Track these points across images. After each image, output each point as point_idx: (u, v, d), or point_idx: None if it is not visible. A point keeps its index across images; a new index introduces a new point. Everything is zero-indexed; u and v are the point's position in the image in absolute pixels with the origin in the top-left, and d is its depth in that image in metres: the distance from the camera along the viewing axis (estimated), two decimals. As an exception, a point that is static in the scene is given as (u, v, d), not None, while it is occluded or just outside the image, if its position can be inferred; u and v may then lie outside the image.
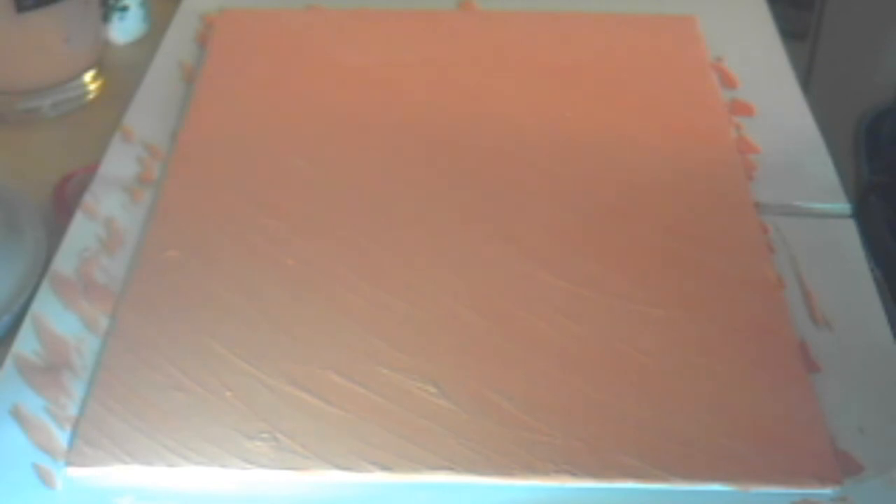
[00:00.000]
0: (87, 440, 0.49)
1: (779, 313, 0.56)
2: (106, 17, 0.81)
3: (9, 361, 0.54)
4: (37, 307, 0.57)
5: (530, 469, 0.48)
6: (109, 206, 0.63)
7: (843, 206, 0.64)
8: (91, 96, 0.77)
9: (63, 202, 0.66)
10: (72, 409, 0.51)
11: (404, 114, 0.70)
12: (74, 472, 0.49)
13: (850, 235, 0.62)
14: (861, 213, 0.64)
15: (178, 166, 0.66)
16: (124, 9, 0.81)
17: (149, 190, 0.65)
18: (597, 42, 0.77)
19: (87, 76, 0.77)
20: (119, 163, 0.67)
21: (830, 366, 0.54)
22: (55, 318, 0.56)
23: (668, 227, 0.61)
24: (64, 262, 0.60)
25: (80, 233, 0.62)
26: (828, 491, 0.48)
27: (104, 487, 0.48)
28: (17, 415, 0.51)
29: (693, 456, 0.49)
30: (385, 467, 0.48)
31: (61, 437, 0.50)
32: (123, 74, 0.78)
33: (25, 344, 0.55)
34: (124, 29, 0.82)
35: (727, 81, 0.74)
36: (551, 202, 0.63)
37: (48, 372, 0.53)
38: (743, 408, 0.51)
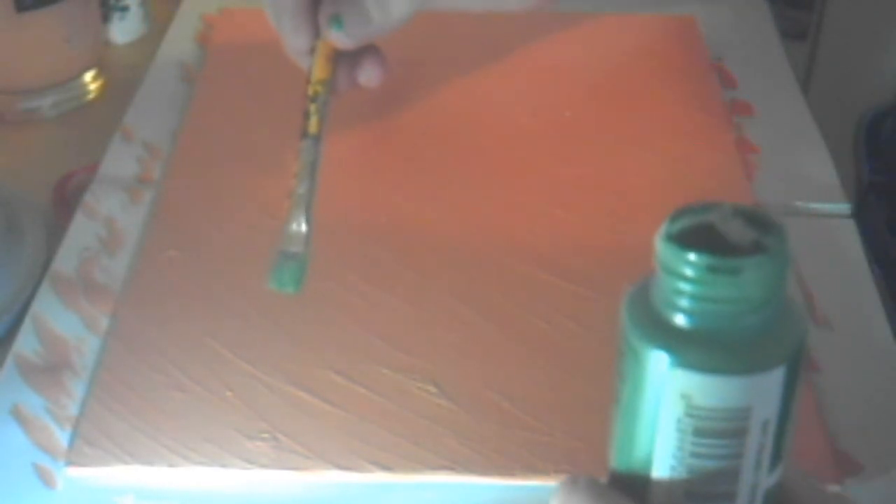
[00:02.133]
0: (87, 440, 0.49)
1: (779, 313, 0.56)
2: (106, 17, 0.81)
3: (9, 361, 0.54)
4: (37, 307, 0.57)
5: (530, 469, 0.48)
6: (109, 205, 0.63)
7: (843, 206, 0.64)
8: (91, 96, 0.77)
9: (63, 202, 0.66)
10: (72, 409, 0.51)
11: (403, 113, 0.70)
12: (75, 471, 0.49)
13: (849, 235, 0.62)
14: (861, 213, 0.64)
15: (178, 166, 0.66)
16: (124, 9, 0.81)
17: (149, 190, 0.65)
18: (597, 42, 0.77)
19: (87, 76, 0.76)
20: (119, 163, 0.67)
21: (830, 366, 0.54)
22: (55, 318, 0.56)
23: (668, 227, 0.61)
24: (64, 261, 0.60)
25: (80, 233, 0.62)
26: (828, 491, 0.48)
27: (105, 486, 0.48)
28: (17, 414, 0.51)
29: (693, 456, 0.49)
30: (385, 467, 0.48)
31: (62, 437, 0.50)
32: (123, 74, 0.78)
33: (26, 343, 0.55)
34: (124, 29, 0.82)
35: (727, 81, 0.74)
36: (551, 202, 0.63)
37: (48, 371, 0.53)
38: (743, 408, 0.51)
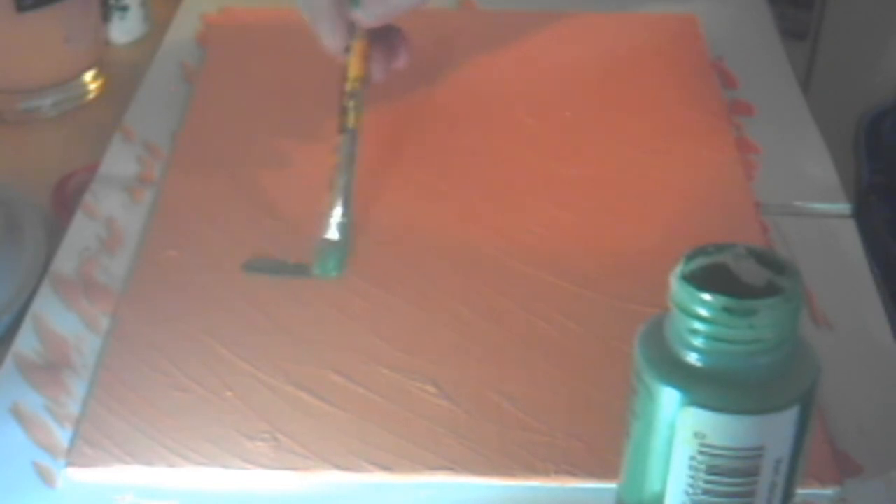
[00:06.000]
0: (87, 440, 0.49)
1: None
2: (106, 17, 0.81)
3: (9, 360, 0.54)
4: (37, 307, 0.57)
5: (530, 469, 0.48)
6: (109, 205, 0.63)
7: (843, 206, 0.64)
8: (91, 96, 0.77)
9: (63, 202, 0.66)
10: (72, 408, 0.51)
11: (403, 113, 0.70)
12: (75, 471, 0.49)
13: (850, 235, 0.62)
14: (861, 213, 0.64)
15: (178, 166, 0.66)
16: (124, 9, 0.81)
17: (149, 189, 0.65)
18: (597, 42, 0.77)
19: (87, 76, 0.76)
20: (119, 162, 0.67)
21: (830, 366, 0.54)
22: (55, 318, 0.56)
23: (668, 227, 0.61)
24: (64, 261, 0.60)
25: (81, 232, 0.62)
26: (828, 491, 0.48)
27: (104, 485, 0.48)
28: (16, 413, 0.51)
29: (693, 456, 0.49)
30: (385, 467, 0.48)
31: (61, 436, 0.50)
32: (123, 74, 0.78)
33: (26, 343, 0.55)
34: (124, 29, 0.82)
35: (727, 81, 0.74)
36: (551, 202, 0.63)
37: (48, 370, 0.53)
38: (743, 408, 0.51)
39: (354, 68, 0.61)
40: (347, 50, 0.61)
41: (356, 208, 0.61)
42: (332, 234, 0.58)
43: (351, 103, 0.60)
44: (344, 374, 0.52)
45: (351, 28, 0.61)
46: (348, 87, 0.60)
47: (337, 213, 0.58)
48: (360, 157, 0.66)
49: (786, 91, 0.74)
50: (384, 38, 0.63)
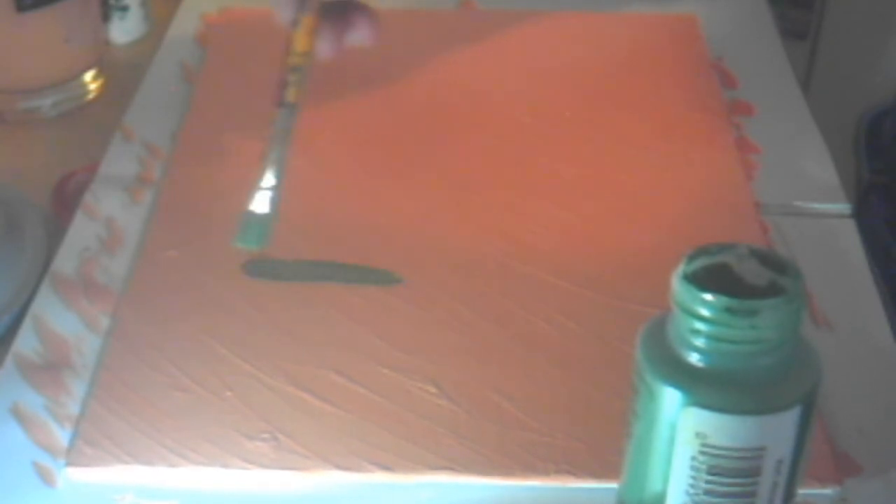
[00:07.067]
0: (87, 440, 0.49)
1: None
2: (106, 17, 0.81)
3: (9, 360, 0.54)
4: (37, 307, 0.57)
5: (530, 469, 0.48)
6: (110, 205, 0.63)
7: (843, 206, 0.64)
8: (91, 96, 0.77)
9: (63, 202, 0.66)
10: (72, 408, 0.51)
11: (403, 113, 0.70)
12: (75, 471, 0.49)
13: (850, 235, 0.62)
14: (861, 213, 0.64)
15: (178, 166, 0.66)
16: (124, 9, 0.81)
17: (149, 190, 0.65)
18: (597, 42, 0.77)
19: (87, 76, 0.76)
20: (119, 162, 0.67)
21: (830, 366, 0.54)
22: (55, 318, 0.56)
23: (668, 227, 0.61)
24: (64, 261, 0.60)
25: (81, 233, 0.62)
26: (827, 491, 0.48)
27: (104, 485, 0.48)
28: (16, 413, 0.51)
29: (693, 456, 0.49)
30: (385, 467, 0.48)
31: (61, 435, 0.50)
32: (123, 74, 0.78)
33: (26, 343, 0.55)
34: (124, 29, 0.82)
35: (727, 81, 0.74)
36: (551, 202, 0.63)
37: (48, 370, 0.53)
38: (743, 408, 0.51)
39: (299, 43, 0.59)
40: (296, 24, 0.59)
41: (354, 209, 0.61)
42: (258, 205, 0.56)
43: (293, 77, 0.58)
44: (344, 374, 0.52)
45: (302, 1, 0.59)
46: (290, 60, 0.59)
47: (265, 185, 0.56)
48: (361, 158, 0.66)
49: (786, 91, 0.74)
50: (340, 14, 0.62)
